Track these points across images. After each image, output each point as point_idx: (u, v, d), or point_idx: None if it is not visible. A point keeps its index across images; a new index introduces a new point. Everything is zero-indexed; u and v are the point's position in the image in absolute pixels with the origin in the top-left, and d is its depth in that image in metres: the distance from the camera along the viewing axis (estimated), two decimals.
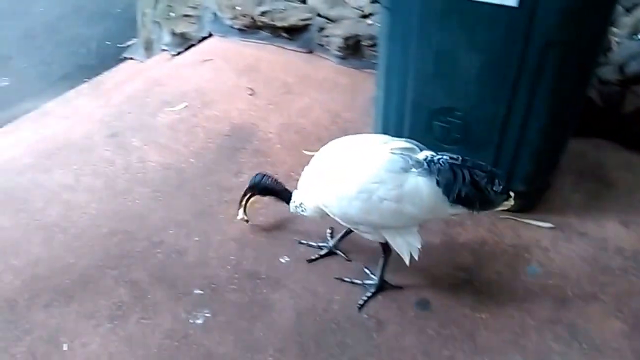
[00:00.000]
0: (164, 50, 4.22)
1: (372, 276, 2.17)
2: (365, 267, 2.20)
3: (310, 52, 3.82)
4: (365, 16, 3.75)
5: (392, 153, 1.88)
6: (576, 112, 2.39)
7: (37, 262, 2.22)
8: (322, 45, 3.76)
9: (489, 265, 2.27)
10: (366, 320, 2.04)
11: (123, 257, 2.25)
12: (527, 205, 2.55)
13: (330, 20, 3.75)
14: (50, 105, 3.88)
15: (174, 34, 4.12)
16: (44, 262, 2.22)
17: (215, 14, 3.98)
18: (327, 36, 3.70)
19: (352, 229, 2.06)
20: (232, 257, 2.26)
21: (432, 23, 2.22)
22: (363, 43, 3.61)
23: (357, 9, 3.80)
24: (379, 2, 2.54)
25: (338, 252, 2.28)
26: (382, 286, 2.16)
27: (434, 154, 1.93)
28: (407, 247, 1.98)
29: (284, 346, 1.94)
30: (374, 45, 3.54)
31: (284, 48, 3.85)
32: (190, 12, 4.04)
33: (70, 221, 2.42)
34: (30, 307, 2.04)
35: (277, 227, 2.41)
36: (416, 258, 1.98)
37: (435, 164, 1.87)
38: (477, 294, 2.15)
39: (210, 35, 4.05)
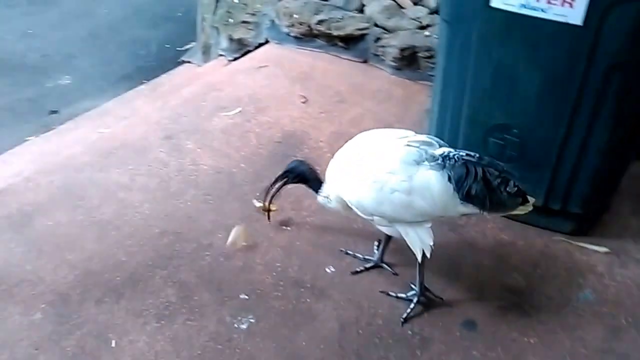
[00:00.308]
0: (221, 55, 4.30)
1: (414, 287, 2.15)
2: (412, 283, 2.17)
3: (365, 61, 3.81)
4: (423, 27, 3.73)
5: (407, 145, 1.90)
6: (638, 134, 2.31)
7: (91, 258, 2.28)
8: (377, 56, 3.76)
9: (540, 288, 2.21)
10: (410, 337, 2.01)
11: (172, 258, 2.29)
12: (583, 228, 2.47)
13: (387, 30, 3.74)
14: (110, 105, 4.01)
15: (231, 39, 4.20)
16: (98, 259, 2.28)
17: (272, 21, 4.03)
18: (383, 46, 3.69)
19: (370, 222, 2.04)
20: (278, 264, 2.27)
21: (492, 38, 2.19)
22: (419, 54, 3.58)
23: (415, 20, 3.78)
24: (438, 14, 2.52)
25: (384, 265, 2.26)
26: (423, 293, 2.13)
27: (452, 150, 1.92)
28: (419, 243, 1.98)
29: (325, 357, 1.93)
30: (430, 57, 3.51)
31: (338, 57, 3.86)
32: (248, 18, 4.10)
33: (124, 219, 2.48)
34: (82, 302, 2.10)
35: (324, 237, 2.41)
36: (428, 255, 1.98)
37: (450, 159, 1.86)
38: (526, 317, 2.09)
39: (266, 42, 4.10)
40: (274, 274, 2.23)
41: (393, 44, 3.63)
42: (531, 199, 1.95)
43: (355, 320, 2.06)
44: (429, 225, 1.97)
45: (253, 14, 4.10)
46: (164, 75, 4.40)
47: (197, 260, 2.28)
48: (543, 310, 2.12)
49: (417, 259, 2.02)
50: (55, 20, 5.51)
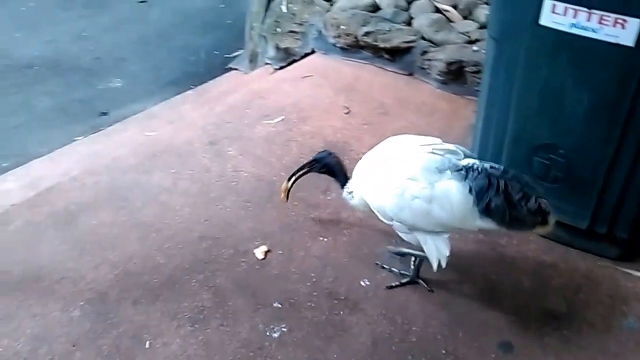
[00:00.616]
0: (267, 63, 4.35)
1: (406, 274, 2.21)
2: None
3: (411, 74, 3.79)
4: (471, 42, 3.69)
5: (432, 153, 1.90)
6: None
7: (131, 259, 2.33)
8: (423, 69, 3.73)
9: (582, 314, 2.14)
10: (444, 356, 1.97)
11: (209, 263, 2.32)
12: (629, 254, 2.38)
13: (435, 44, 3.72)
14: (157, 109, 4.11)
15: (278, 48, 4.24)
16: (137, 259, 2.33)
17: (319, 32, 4.05)
18: (429, 60, 3.67)
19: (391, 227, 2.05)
20: (313, 275, 2.27)
21: (540, 57, 2.15)
22: (466, 69, 3.54)
23: (464, 34, 3.75)
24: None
25: (420, 281, 2.23)
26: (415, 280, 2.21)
27: (476, 161, 1.89)
28: (436, 252, 1.97)
29: None
30: (477, 72, 3.46)
31: (384, 69, 3.85)
32: (296, 28, 4.14)
33: (165, 222, 2.52)
34: (120, 302, 2.14)
35: (360, 249, 2.40)
36: (443, 265, 1.97)
37: (473, 171, 1.84)
38: (565, 343, 2.02)
39: (312, 51, 4.12)
40: (309, 284, 2.23)
41: (440, 58, 3.60)
42: (552, 219, 1.90)
43: (389, 336, 2.04)
44: (447, 235, 1.97)
45: (301, 24, 4.13)
46: (211, 82, 4.48)
47: (233, 266, 2.30)
48: (583, 336, 2.05)
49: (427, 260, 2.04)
50: (109, 24, 5.68)
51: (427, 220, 1.90)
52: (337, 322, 2.08)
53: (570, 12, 2.04)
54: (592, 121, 2.14)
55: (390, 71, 3.81)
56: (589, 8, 1.99)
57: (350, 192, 2.16)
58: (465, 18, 3.96)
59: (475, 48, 3.60)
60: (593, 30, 2.00)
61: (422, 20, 3.86)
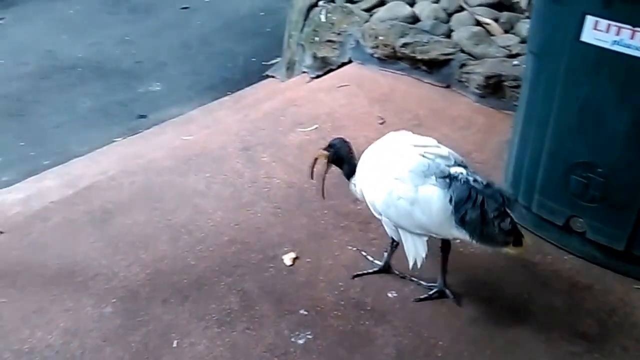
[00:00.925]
0: (304, 72, 4.38)
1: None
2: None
3: (448, 87, 3.76)
4: (511, 56, 3.65)
5: (422, 155, 1.94)
6: None
7: (162, 259, 2.37)
8: (461, 82, 3.70)
9: (615, 337, 2.08)
10: None
11: (238, 267, 2.34)
12: None
13: (474, 57, 3.68)
14: (194, 113, 4.18)
15: (315, 57, 4.27)
16: (168, 260, 2.37)
17: (357, 42, 4.06)
18: (467, 73, 3.64)
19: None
20: (341, 284, 2.27)
21: (581, 73, 2.12)
22: (505, 83, 3.49)
23: (504, 48, 3.71)
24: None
25: (447, 292, 2.21)
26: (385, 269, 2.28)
27: (463, 171, 1.92)
28: (414, 251, 2.03)
29: None
30: (517, 87, 3.41)
31: (420, 80, 3.83)
32: (334, 38, 4.16)
33: (197, 225, 2.56)
34: (150, 301, 2.18)
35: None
36: (419, 265, 2.05)
37: (457, 181, 1.88)
38: None
39: (349, 61, 4.13)
40: (336, 292, 2.23)
41: (479, 71, 3.57)
42: (526, 242, 1.96)
43: (414, 349, 2.02)
44: (426, 238, 2.02)
45: (339, 34, 4.15)
46: (247, 88, 4.54)
47: (262, 271, 2.32)
48: None
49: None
50: (152, 29, 5.81)
51: (409, 221, 1.97)
52: (362, 333, 2.07)
53: (613, 29, 2.00)
54: (633, 140, 2.10)
55: (427, 83, 3.79)
56: (633, 26, 1.96)
57: (355, 184, 2.19)
58: (506, 32, 3.92)
59: (515, 62, 3.55)
60: (637, 48, 1.97)
61: (462, 33, 3.83)
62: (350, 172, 2.21)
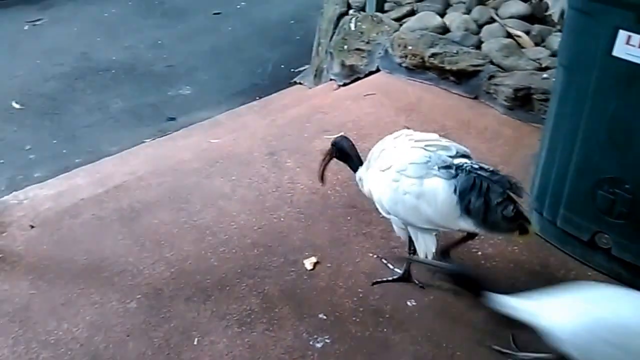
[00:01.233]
0: (331, 79, 4.41)
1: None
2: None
3: (476, 98, 3.75)
4: (541, 69, 3.63)
5: (423, 148, 1.96)
6: None
7: (187, 259, 2.42)
8: (489, 93, 3.69)
9: None
10: None
11: (260, 269, 2.37)
12: None
13: (503, 69, 3.67)
14: (222, 117, 4.24)
15: (343, 65, 4.30)
16: (192, 260, 2.42)
17: (386, 51, 4.08)
18: (496, 85, 3.62)
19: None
20: (360, 290, 2.28)
21: (611, 88, 2.11)
22: (534, 96, 3.47)
23: (534, 61, 3.69)
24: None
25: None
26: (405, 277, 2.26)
27: (468, 161, 1.94)
28: (424, 247, 2.04)
29: None
30: (546, 100, 3.38)
31: (448, 91, 3.83)
32: (362, 46, 4.19)
33: (221, 227, 2.60)
34: (173, 298, 2.23)
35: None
36: (429, 258, 2.06)
37: (462, 170, 1.89)
38: None
39: (377, 70, 4.16)
40: (355, 299, 2.24)
41: (507, 83, 3.55)
42: (532, 229, 1.95)
43: (431, 359, 2.02)
44: (435, 233, 2.04)
45: (368, 42, 4.18)
46: (275, 94, 4.59)
47: (283, 275, 2.34)
48: None
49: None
50: (183, 34, 5.91)
51: (416, 216, 1.98)
52: (380, 339, 2.08)
53: None
54: None
55: (455, 94, 3.79)
56: None
57: (360, 179, 2.22)
58: (537, 45, 3.90)
59: (545, 75, 3.53)
60: None
61: (492, 45, 3.82)
62: (355, 166, 2.25)
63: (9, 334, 2.09)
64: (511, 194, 1.91)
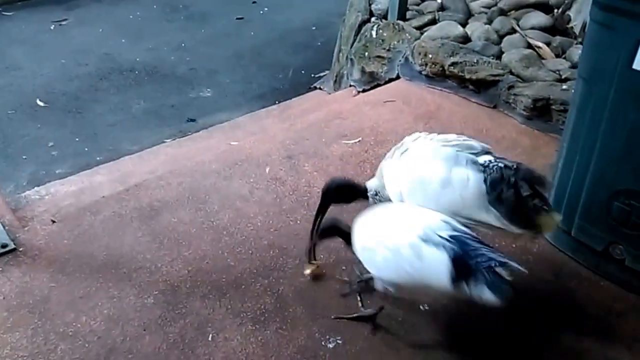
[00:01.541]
0: (351, 85, 4.45)
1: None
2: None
3: (495, 107, 3.76)
4: (561, 80, 3.62)
5: (449, 146, 2.02)
6: None
7: (204, 258, 2.46)
8: (508, 103, 3.69)
9: None
10: None
11: (275, 270, 2.40)
12: None
13: (522, 79, 3.68)
14: (242, 120, 4.29)
15: (363, 71, 4.33)
16: (209, 259, 2.45)
17: (406, 58, 4.11)
18: (515, 95, 3.63)
19: None
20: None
21: (630, 101, 2.11)
22: (553, 107, 3.47)
23: (554, 72, 3.68)
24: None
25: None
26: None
27: (492, 159, 1.99)
28: None
29: None
30: (564, 111, 3.38)
31: (467, 99, 3.84)
32: (383, 53, 4.22)
33: (238, 227, 2.64)
34: (189, 295, 2.26)
35: None
36: None
37: (490, 168, 1.95)
38: None
39: (397, 77, 4.18)
40: (368, 301, 2.26)
41: (526, 94, 3.56)
42: (556, 217, 1.99)
43: None
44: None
45: (388, 50, 4.21)
46: (295, 99, 4.63)
47: (297, 276, 2.37)
48: None
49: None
50: (206, 38, 6.00)
51: (437, 204, 1.97)
52: (391, 342, 2.10)
53: None
54: None
55: (474, 102, 3.80)
56: None
57: (376, 194, 2.22)
58: (557, 56, 3.90)
59: (564, 87, 3.52)
60: None
61: (513, 55, 3.83)
62: (364, 190, 2.25)
63: (28, 325, 2.14)
64: (537, 187, 1.96)
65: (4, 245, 2.48)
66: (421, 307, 2.24)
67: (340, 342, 2.08)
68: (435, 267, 1.75)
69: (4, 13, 6.46)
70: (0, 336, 2.09)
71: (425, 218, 1.87)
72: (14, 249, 2.48)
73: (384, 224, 1.96)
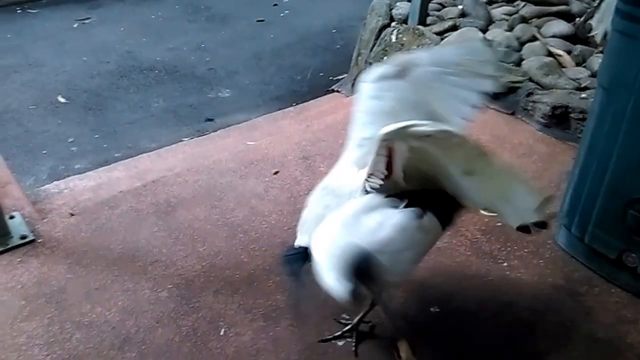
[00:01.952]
0: None
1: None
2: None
3: (513, 114, 3.75)
4: (580, 89, 3.61)
5: None
6: None
7: (218, 254, 2.49)
8: (526, 110, 3.68)
9: None
10: None
11: None
12: None
13: (542, 86, 3.67)
14: (259, 121, 4.32)
15: None
16: (223, 255, 2.48)
17: None
18: (534, 102, 3.62)
19: None
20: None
21: None
22: (572, 115, 3.46)
23: (574, 80, 3.67)
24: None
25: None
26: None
27: None
28: None
29: None
30: (583, 119, 3.37)
31: (485, 106, 3.83)
32: None
33: (252, 225, 2.66)
34: (203, 290, 2.29)
35: (434, 278, 2.40)
36: None
37: None
38: None
39: None
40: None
41: (545, 101, 3.55)
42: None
43: None
44: None
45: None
46: (312, 101, 4.65)
47: (309, 274, 2.38)
48: None
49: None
50: (227, 39, 6.04)
51: None
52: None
53: None
54: None
55: (492, 109, 3.79)
56: None
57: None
58: (578, 65, 3.88)
59: (584, 95, 3.51)
60: None
61: (533, 62, 3.82)
62: None
63: (45, 314, 2.18)
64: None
65: (23, 237, 2.54)
66: (432, 309, 2.24)
67: (349, 340, 2.09)
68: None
69: (28, 10, 6.58)
70: (18, 324, 2.14)
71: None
72: (32, 240, 2.53)
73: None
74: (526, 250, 2.50)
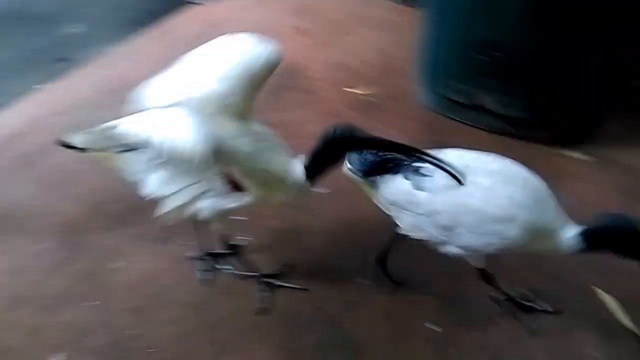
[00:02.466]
0: None
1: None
2: None
3: None
4: None
5: None
6: None
7: (96, 191, 2.43)
8: None
9: None
10: None
11: None
12: (567, 140, 2.54)
13: None
14: (117, 49, 4.08)
15: None
16: (102, 192, 2.41)
17: None
18: None
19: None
20: None
21: None
22: None
23: None
24: None
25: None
26: None
27: None
28: None
29: None
30: None
31: None
32: None
33: None
34: (90, 230, 2.25)
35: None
36: None
37: None
38: None
39: None
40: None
41: None
42: None
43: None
44: None
45: None
46: (170, 18, 4.43)
47: None
48: None
49: None
50: None
51: None
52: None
53: None
54: (526, 20, 2.21)
55: None
56: None
57: None
58: None
59: None
60: None
61: None
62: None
63: None
64: None
65: None
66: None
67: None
68: None
69: None
70: None
71: None
72: None
73: None
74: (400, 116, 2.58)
